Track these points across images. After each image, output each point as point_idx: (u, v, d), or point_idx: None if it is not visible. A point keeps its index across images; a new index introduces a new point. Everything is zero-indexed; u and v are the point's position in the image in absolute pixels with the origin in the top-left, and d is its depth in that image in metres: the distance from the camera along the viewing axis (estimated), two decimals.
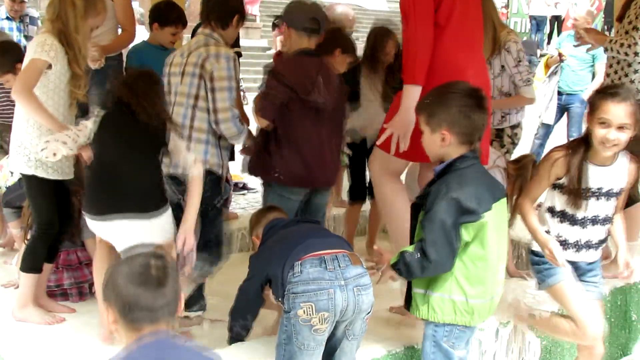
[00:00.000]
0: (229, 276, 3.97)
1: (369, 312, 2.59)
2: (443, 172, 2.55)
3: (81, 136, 2.96)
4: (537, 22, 18.41)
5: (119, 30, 4.57)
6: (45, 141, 2.91)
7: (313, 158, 3.44)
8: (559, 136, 7.24)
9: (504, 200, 2.65)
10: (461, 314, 2.56)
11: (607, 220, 2.92)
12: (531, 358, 3.38)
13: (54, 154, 2.87)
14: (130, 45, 4.62)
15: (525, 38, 18.21)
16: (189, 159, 3.08)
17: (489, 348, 3.22)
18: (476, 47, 3.20)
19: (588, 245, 2.92)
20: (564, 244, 2.89)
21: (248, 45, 13.29)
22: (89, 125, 2.98)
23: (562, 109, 7.01)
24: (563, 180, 2.83)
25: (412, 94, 2.99)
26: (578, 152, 2.79)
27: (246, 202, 6.63)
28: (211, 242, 3.43)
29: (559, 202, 2.88)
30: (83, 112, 4.15)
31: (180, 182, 3.23)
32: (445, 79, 2.78)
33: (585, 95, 7.01)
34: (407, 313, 2.89)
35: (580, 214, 2.86)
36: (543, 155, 4.16)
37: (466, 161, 2.54)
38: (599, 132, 2.72)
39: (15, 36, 6.28)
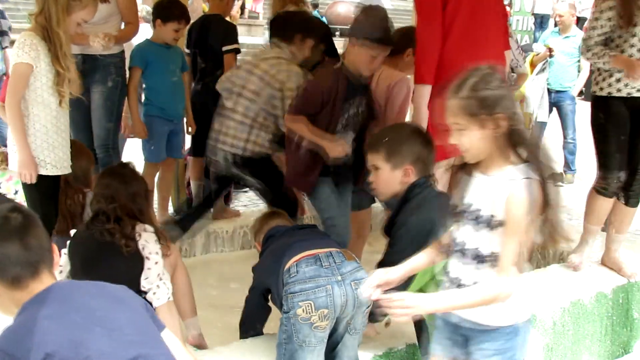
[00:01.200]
0: (229, 274, 4.01)
1: (369, 306, 2.59)
2: (402, 202, 2.60)
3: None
4: (542, 20, 18.38)
5: (123, 26, 4.56)
6: None
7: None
8: (554, 132, 7.23)
9: None
10: None
11: (475, 256, 2.08)
12: (532, 356, 3.38)
13: None
14: (134, 45, 4.62)
15: (527, 36, 18.17)
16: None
17: None
18: (490, 44, 3.15)
19: (457, 285, 2.13)
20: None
21: (250, 42, 13.27)
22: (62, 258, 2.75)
23: (552, 107, 6.94)
24: None
25: (421, 93, 3.08)
26: None
27: (248, 200, 6.63)
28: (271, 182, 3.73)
29: None
30: (85, 109, 4.15)
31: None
32: (451, 79, 2.78)
33: (574, 91, 6.98)
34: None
35: (452, 234, 2.18)
36: None
37: (419, 187, 2.60)
38: None
39: None
